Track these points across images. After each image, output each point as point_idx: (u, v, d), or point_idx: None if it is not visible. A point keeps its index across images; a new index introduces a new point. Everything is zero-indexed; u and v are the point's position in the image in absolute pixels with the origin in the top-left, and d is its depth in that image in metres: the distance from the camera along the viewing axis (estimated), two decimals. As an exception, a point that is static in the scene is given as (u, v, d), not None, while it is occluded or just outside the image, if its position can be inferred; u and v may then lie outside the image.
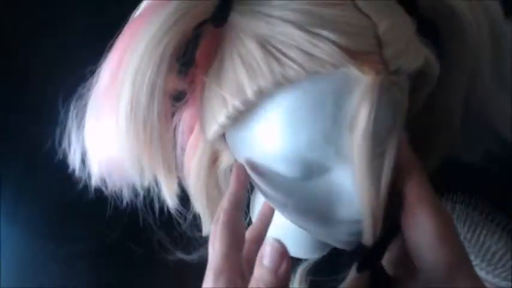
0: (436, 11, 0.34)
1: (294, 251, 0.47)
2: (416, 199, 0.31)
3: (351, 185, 0.32)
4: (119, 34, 0.33)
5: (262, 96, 0.30)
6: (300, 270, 0.46)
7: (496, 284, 0.43)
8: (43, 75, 0.62)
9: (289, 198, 0.35)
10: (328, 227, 0.35)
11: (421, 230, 0.30)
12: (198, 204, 0.43)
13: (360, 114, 0.29)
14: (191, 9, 0.31)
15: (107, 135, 0.34)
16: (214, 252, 0.32)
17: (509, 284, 0.43)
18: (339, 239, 0.36)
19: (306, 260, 0.48)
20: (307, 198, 0.34)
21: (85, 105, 0.36)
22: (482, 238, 0.45)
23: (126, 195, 0.38)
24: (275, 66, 0.29)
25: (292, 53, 0.29)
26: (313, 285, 0.46)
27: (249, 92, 0.30)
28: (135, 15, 0.34)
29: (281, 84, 0.29)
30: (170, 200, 0.39)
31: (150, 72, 0.30)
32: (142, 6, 0.34)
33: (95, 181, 0.37)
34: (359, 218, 0.32)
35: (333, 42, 0.29)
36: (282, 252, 0.31)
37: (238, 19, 0.32)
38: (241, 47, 0.31)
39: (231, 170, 0.40)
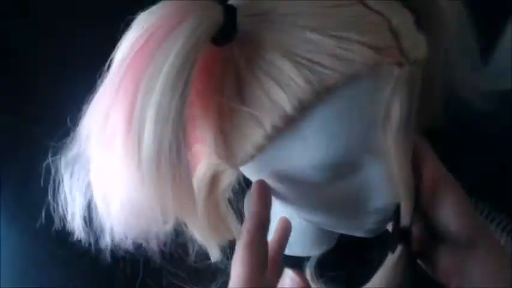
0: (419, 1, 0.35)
1: (299, 251, 0.47)
2: (435, 178, 0.34)
3: (383, 175, 0.33)
4: (121, 32, 0.32)
5: (302, 109, 0.30)
6: (309, 269, 0.46)
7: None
8: (43, 75, 0.62)
9: (320, 202, 0.35)
10: (357, 219, 0.36)
11: (443, 204, 0.34)
12: (198, 231, 0.40)
13: (394, 107, 0.30)
14: (206, 27, 0.29)
15: (124, 184, 0.30)
16: (237, 274, 0.32)
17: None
18: (366, 228, 0.37)
19: (308, 257, 0.48)
20: (339, 197, 0.34)
21: (81, 159, 0.33)
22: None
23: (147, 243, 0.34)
24: (311, 77, 0.29)
25: (325, 61, 0.29)
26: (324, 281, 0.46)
27: (289, 108, 0.29)
28: (132, 47, 0.30)
29: (320, 94, 0.29)
30: (201, 237, 0.37)
31: (175, 103, 0.28)
32: (142, 33, 0.30)
33: (109, 238, 0.33)
34: (390, 205, 0.34)
35: (362, 43, 0.29)
36: (303, 285, 0.31)
37: (248, 34, 0.30)
38: (263, 62, 0.29)
39: (247, 188, 0.40)
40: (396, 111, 0.31)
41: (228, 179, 0.40)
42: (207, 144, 0.35)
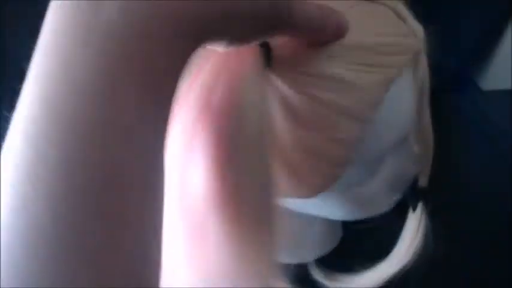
0: None
1: (310, 256, 0.46)
2: None
3: (414, 146, 0.36)
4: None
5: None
6: (317, 269, 0.45)
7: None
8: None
9: (361, 196, 0.35)
10: (387, 197, 0.37)
11: None
12: None
13: (425, 82, 0.34)
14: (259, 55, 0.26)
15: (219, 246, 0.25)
16: None
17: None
18: (389, 203, 0.38)
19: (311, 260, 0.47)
20: (381, 185, 0.35)
21: None
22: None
23: None
24: (378, 78, 0.29)
25: (379, 60, 0.29)
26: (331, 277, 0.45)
27: (369, 115, 0.29)
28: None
29: (388, 91, 0.29)
30: None
31: (265, 140, 0.25)
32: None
33: None
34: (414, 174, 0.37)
35: (398, 34, 0.30)
36: None
37: (282, 56, 0.27)
38: (314, 80, 0.27)
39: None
40: (426, 86, 0.34)
41: None
42: None
